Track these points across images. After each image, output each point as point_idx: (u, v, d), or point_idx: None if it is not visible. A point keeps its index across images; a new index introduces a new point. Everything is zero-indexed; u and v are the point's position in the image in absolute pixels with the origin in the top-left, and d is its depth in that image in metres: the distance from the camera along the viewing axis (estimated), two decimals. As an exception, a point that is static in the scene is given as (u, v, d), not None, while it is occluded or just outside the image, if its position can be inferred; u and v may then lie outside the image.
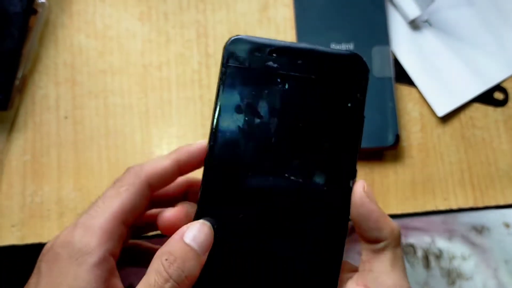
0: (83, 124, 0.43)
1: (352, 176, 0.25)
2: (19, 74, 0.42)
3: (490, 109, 0.44)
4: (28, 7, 0.42)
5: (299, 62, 0.25)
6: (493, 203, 0.42)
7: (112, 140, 0.43)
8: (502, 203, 0.42)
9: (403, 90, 0.44)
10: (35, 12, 0.43)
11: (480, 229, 0.92)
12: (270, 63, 0.25)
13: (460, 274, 0.89)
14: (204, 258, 0.23)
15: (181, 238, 0.23)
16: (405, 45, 0.44)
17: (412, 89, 0.44)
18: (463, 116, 0.44)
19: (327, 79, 0.25)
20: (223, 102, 0.25)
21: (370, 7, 0.44)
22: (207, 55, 0.44)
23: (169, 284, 0.22)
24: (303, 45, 0.26)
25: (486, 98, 0.44)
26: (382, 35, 0.43)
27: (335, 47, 0.43)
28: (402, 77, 0.44)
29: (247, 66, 0.25)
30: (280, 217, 0.25)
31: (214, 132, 0.25)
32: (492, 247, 0.91)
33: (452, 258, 0.90)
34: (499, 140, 0.43)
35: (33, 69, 0.44)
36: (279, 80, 0.25)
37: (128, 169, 0.25)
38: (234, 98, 0.25)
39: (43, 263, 0.23)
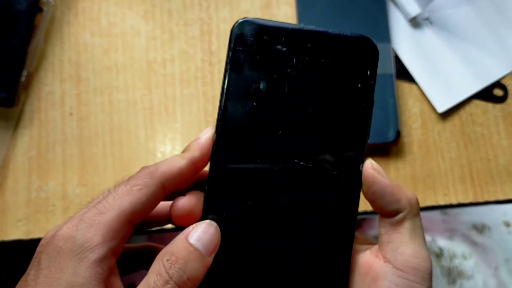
0: (88, 120, 0.43)
1: (362, 160, 0.25)
2: (25, 72, 0.42)
3: (489, 106, 0.44)
4: (33, 5, 0.42)
5: (309, 45, 0.25)
6: (492, 199, 0.42)
7: (116, 136, 0.43)
8: (501, 198, 0.42)
9: (404, 87, 0.45)
10: (40, 10, 0.43)
11: (480, 228, 0.93)
12: (279, 46, 0.24)
13: (461, 273, 0.90)
14: (209, 260, 0.22)
15: (186, 238, 0.22)
16: (405, 43, 0.45)
17: (413, 86, 0.45)
18: (463, 112, 0.44)
19: (337, 62, 0.25)
20: (230, 87, 0.24)
21: (371, 5, 0.45)
22: (210, 52, 0.45)
23: (169, 286, 0.21)
24: (313, 28, 0.25)
25: (486, 94, 0.44)
26: (383, 33, 0.44)
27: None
28: (403, 74, 0.45)
29: (255, 50, 0.24)
30: (290, 205, 0.24)
31: (222, 118, 0.24)
32: (492, 246, 0.91)
33: (452, 256, 0.91)
34: (498, 136, 0.44)
35: (39, 66, 0.44)
36: (288, 63, 0.24)
37: (143, 169, 0.24)
38: (242, 82, 0.24)
39: (44, 255, 0.22)
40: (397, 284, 0.23)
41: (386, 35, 0.44)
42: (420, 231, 0.24)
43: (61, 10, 0.45)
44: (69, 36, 0.45)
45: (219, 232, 0.23)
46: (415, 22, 0.46)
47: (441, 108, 0.43)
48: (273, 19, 0.46)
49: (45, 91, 0.44)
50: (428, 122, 0.44)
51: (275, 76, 0.24)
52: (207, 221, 0.23)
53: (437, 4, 0.46)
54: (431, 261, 0.24)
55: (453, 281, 0.89)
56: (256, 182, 0.24)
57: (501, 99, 0.44)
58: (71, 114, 0.43)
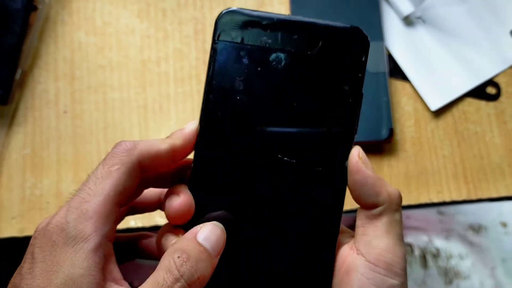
0: (82, 118, 0.43)
1: (348, 157, 0.24)
2: (19, 70, 0.42)
3: (482, 104, 0.44)
4: (28, 3, 0.42)
5: (295, 37, 0.24)
6: (486, 196, 0.42)
7: (110, 134, 0.43)
8: (494, 195, 0.42)
9: (397, 85, 0.45)
10: (35, 8, 0.43)
11: (477, 228, 0.93)
12: (265, 38, 0.24)
13: (458, 273, 0.90)
14: (216, 261, 0.22)
15: (194, 237, 0.22)
16: (399, 41, 0.45)
17: (406, 84, 0.45)
18: (456, 110, 0.44)
19: (325, 54, 0.24)
20: (214, 80, 0.24)
21: (364, 3, 0.45)
22: (204, 51, 0.45)
23: (179, 285, 0.20)
24: (300, 18, 0.24)
25: (479, 92, 0.45)
26: (376, 31, 0.44)
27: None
28: (396, 72, 0.45)
29: (240, 42, 0.24)
30: (274, 201, 0.24)
31: (205, 112, 0.24)
32: (489, 246, 0.91)
33: (449, 257, 0.91)
34: (491, 134, 0.44)
35: (33, 64, 0.44)
36: (274, 56, 0.24)
37: (119, 144, 0.23)
38: (226, 75, 0.24)
39: (37, 248, 0.21)
40: (368, 278, 0.22)
41: (379, 34, 0.44)
42: (398, 227, 0.24)
43: (56, 9, 0.46)
44: (63, 34, 0.45)
45: (225, 234, 0.23)
46: (408, 21, 0.46)
47: (434, 106, 0.44)
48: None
49: (40, 89, 0.44)
50: (421, 120, 0.44)
51: (260, 69, 0.24)
52: (214, 222, 0.23)
53: (430, 3, 0.46)
54: (405, 258, 0.23)
55: (450, 282, 0.89)
56: (239, 178, 0.24)
57: (494, 97, 0.45)
58: (65, 112, 0.43)
